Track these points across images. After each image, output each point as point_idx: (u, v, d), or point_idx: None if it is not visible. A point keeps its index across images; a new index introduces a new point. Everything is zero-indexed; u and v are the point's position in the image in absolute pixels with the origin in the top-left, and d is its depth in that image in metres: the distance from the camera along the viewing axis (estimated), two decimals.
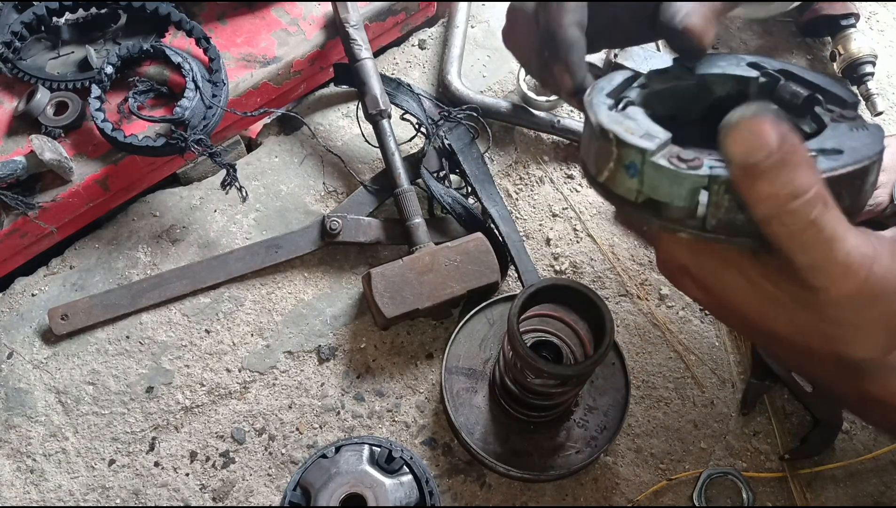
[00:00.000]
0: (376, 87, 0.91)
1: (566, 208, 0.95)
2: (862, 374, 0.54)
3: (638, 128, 0.52)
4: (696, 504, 0.79)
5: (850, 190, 0.50)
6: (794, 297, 0.49)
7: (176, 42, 0.93)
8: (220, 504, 0.81)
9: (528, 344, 0.72)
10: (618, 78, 0.59)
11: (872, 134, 0.53)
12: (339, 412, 0.85)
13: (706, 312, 0.89)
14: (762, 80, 0.60)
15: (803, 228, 0.44)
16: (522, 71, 0.99)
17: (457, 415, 0.80)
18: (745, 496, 0.79)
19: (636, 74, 0.60)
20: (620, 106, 0.56)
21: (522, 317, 0.70)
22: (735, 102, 0.60)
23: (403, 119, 0.95)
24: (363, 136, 0.96)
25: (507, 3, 0.64)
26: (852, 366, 0.53)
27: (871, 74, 0.99)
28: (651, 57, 0.63)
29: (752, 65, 0.61)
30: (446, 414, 0.81)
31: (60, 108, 0.89)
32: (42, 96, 0.88)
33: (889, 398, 0.54)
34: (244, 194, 0.93)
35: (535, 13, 0.59)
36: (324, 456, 0.78)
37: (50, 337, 0.88)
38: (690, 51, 0.57)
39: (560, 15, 0.55)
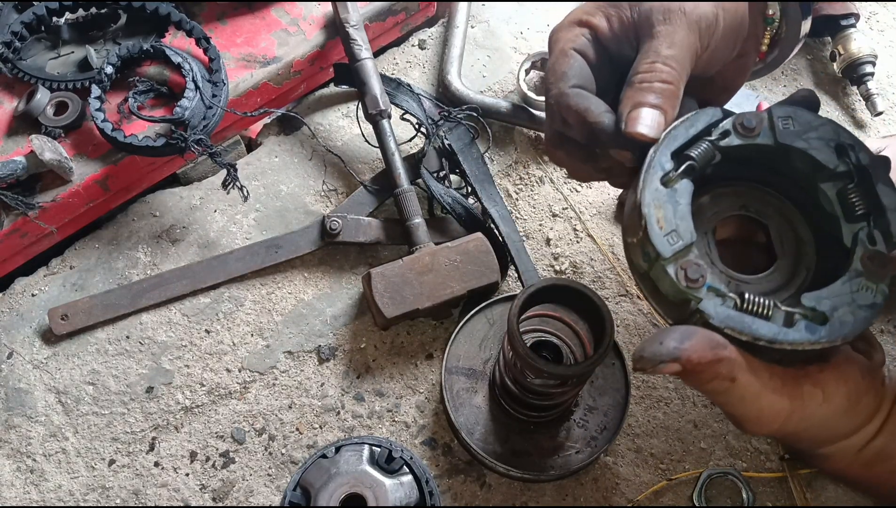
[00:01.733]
0: (376, 87, 0.91)
1: (566, 208, 0.95)
2: (807, 457, 0.65)
3: (671, 219, 0.55)
4: (696, 504, 0.79)
5: (814, 352, 0.55)
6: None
7: (176, 42, 0.93)
8: (220, 504, 0.81)
9: (528, 344, 0.72)
10: (700, 122, 0.58)
11: (872, 307, 0.54)
12: (339, 412, 0.85)
13: None
14: (840, 169, 0.58)
15: (716, 393, 0.55)
16: (522, 71, 0.99)
17: (457, 415, 0.80)
18: (745, 496, 0.79)
19: (723, 116, 0.59)
20: (681, 169, 0.56)
21: (522, 317, 0.70)
22: (809, 178, 0.60)
23: (403, 119, 0.95)
24: (363, 136, 0.96)
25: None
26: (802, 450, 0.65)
27: (871, 74, 0.99)
28: (749, 96, 0.62)
29: (839, 148, 0.58)
30: (446, 414, 0.81)
31: (60, 108, 0.89)
32: (42, 96, 0.88)
33: (835, 475, 0.67)
34: (245, 193, 0.92)
35: (564, 138, 0.68)
36: (324, 456, 0.78)
37: (50, 337, 0.88)
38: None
39: (584, 116, 0.62)
